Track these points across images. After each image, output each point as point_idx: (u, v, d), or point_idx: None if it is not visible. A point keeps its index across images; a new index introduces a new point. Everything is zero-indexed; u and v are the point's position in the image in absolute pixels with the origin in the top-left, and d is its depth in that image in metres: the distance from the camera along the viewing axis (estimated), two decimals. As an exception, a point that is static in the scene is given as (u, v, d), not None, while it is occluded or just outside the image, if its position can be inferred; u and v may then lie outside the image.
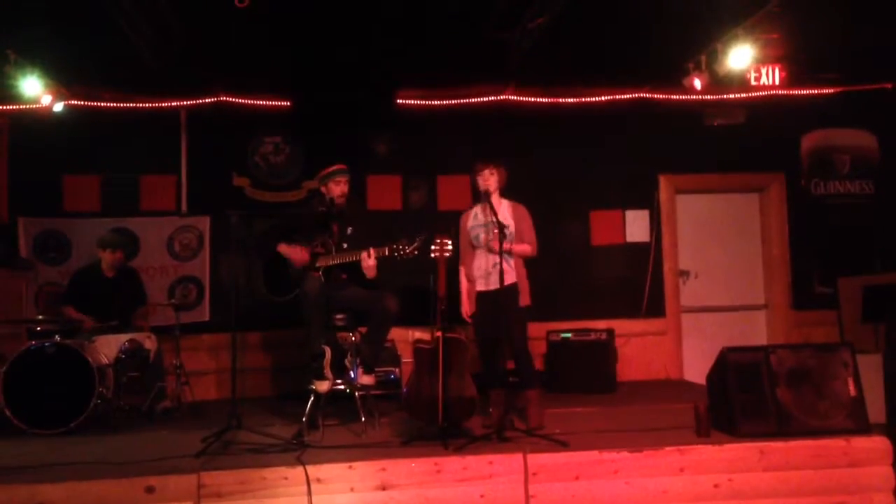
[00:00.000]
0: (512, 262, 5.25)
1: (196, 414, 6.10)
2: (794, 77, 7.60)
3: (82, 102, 7.34)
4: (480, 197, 5.38)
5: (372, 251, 5.21)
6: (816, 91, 8.12)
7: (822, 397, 4.62)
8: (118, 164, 7.57)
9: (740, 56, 6.60)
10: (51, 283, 7.23)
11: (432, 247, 4.94)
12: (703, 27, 6.62)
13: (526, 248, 5.30)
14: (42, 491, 3.87)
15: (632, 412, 5.76)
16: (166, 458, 4.31)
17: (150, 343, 6.14)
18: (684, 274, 8.26)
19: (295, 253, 5.47)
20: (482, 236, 5.32)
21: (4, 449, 4.79)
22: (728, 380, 4.68)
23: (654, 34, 6.66)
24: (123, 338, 6.04)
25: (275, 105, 7.68)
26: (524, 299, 5.30)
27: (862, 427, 4.55)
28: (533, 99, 7.93)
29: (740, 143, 8.16)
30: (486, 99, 7.88)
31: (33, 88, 6.71)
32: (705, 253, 8.35)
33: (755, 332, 8.31)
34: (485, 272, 5.27)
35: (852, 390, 4.65)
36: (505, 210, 5.31)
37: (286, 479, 4.04)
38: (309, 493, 4.00)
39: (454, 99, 7.85)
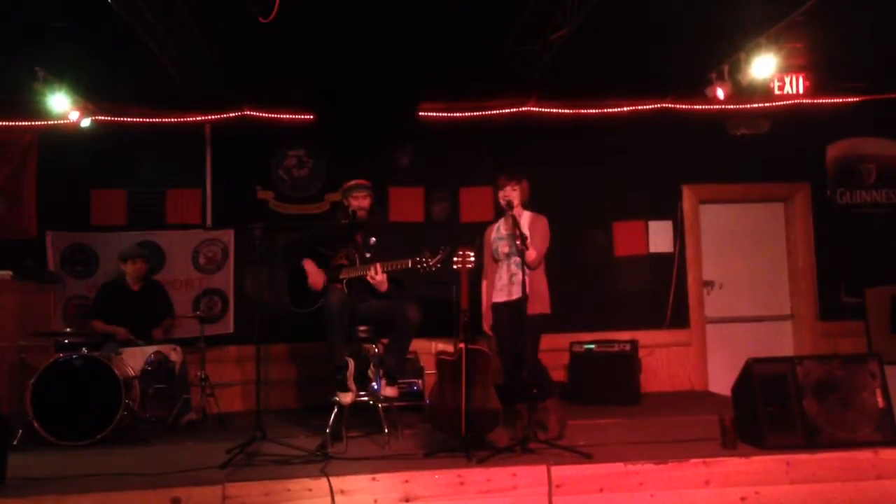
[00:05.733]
0: (527, 272, 5.23)
1: (221, 426, 6.14)
2: (818, 86, 7.55)
3: (109, 118, 7.46)
4: (503, 211, 5.40)
5: (378, 266, 5.25)
6: (841, 100, 8.07)
7: (850, 409, 4.56)
8: (144, 179, 7.68)
9: (764, 65, 6.56)
10: (78, 297, 7.32)
11: (455, 259, 4.95)
12: (725, 37, 6.60)
13: (530, 254, 5.21)
14: (70, 502, 3.91)
15: (656, 424, 5.71)
16: (192, 470, 4.33)
17: (175, 355, 6.19)
18: (709, 284, 8.20)
19: (313, 274, 5.51)
20: (502, 249, 5.34)
21: (33, 460, 4.83)
22: (754, 391, 4.63)
23: (677, 44, 6.64)
24: (149, 350, 6.10)
25: (298, 119, 7.76)
26: (537, 307, 5.21)
27: (890, 439, 4.48)
28: (555, 110, 7.93)
29: (764, 153, 8.11)
30: (507, 111, 7.90)
31: (61, 104, 6.82)
32: (730, 263, 8.29)
33: (781, 342, 8.23)
34: (505, 284, 5.29)
35: (880, 402, 4.58)
36: (525, 222, 5.33)
37: (310, 490, 4.05)
38: (333, 504, 4.02)
39: (476, 111, 7.87)
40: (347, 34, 6.54)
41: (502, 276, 5.36)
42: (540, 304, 5.26)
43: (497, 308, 5.39)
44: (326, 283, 5.45)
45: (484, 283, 5.55)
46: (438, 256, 5.07)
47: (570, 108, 7.94)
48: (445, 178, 7.96)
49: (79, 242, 7.48)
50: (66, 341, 5.84)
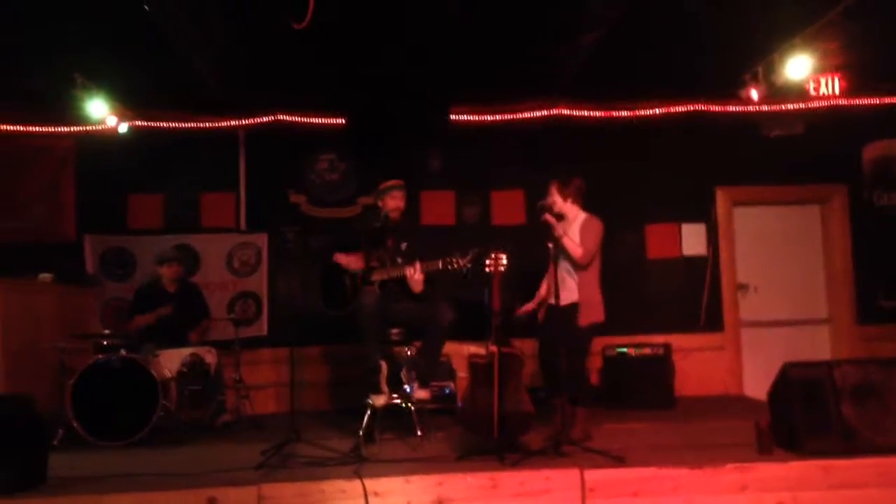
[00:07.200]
0: (577, 278, 5.28)
1: (256, 427, 6.19)
2: (854, 87, 7.45)
3: (145, 123, 7.57)
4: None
5: (418, 265, 5.28)
6: (878, 100, 7.94)
7: (889, 414, 4.47)
8: (180, 183, 7.78)
9: (798, 66, 6.49)
10: (116, 299, 7.43)
11: (486, 261, 4.96)
12: (760, 37, 6.54)
13: (576, 250, 5.26)
14: (109, 501, 3.97)
15: (691, 428, 5.67)
16: (227, 471, 4.38)
17: (210, 357, 6.26)
18: (743, 287, 8.12)
19: (351, 261, 5.55)
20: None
21: (73, 460, 4.91)
22: (790, 396, 4.58)
23: (710, 45, 6.60)
24: (185, 352, 6.18)
25: (330, 123, 7.82)
26: (590, 317, 5.27)
27: (930, 445, 4.41)
28: (586, 112, 7.91)
29: (800, 155, 8.00)
30: (539, 113, 7.88)
31: (99, 110, 6.95)
32: (765, 266, 8.19)
33: (818, 346, 8.10)
34: (552, 285, 5.29)
35: (920, 407, 4.51)
36: (578, 223, 5.37)
37: (344, 492, 4.07)
38: (366, 506, 4.04)
39: (507, 114, 7.87)
40: (377, 39, 6.58)
41: (550, 277, 5.40)
42: (592, 313, 5.30)
43: (547, 309, 5.43)
44: (363, 269, 5.49)
45: None
46: (468, 257, 5.10)
47: (601, 111, 7.92)
48: (477, 182, 7.96)
49: (117, 246, 7.59)
50: (105, 343, 5.93)
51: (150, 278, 6.87)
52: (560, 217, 5.41)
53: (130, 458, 5.07)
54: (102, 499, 3.99)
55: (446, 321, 5.28)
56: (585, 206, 5.56)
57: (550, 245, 5.27)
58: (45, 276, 6.74)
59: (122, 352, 5.74)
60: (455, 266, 5.13)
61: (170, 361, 6.08)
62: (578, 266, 5.30)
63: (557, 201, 5.44)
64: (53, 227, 7.60)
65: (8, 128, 7.52)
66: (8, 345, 5.85)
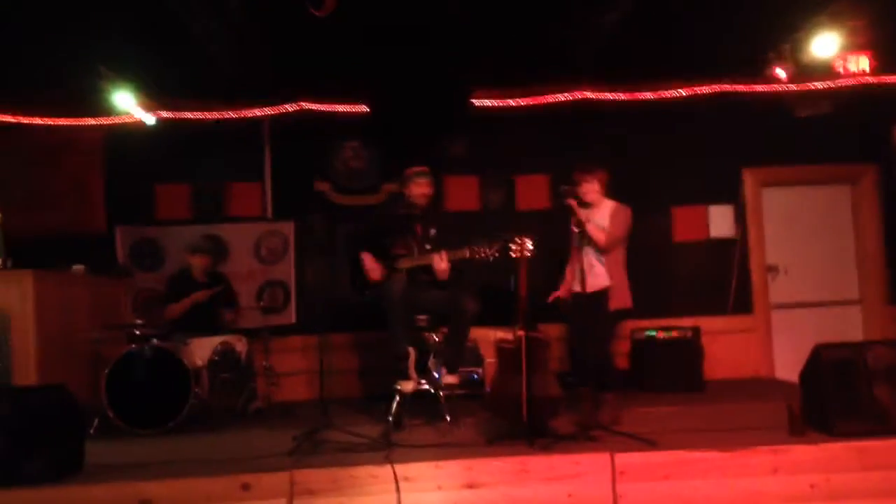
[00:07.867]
0: (605, 263, 5.30)
1: (286, 414, 6.23)
2: (883, 64, 7.32)
3: (172, 114, 7.62)
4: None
5: (444, 254, 5.29)
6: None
7: (923, 395, 4.44)
8: (206, 173, 7.82)
9: (825, 44, 6.41)
10: (147, 289, 7.52)
11: (512, 247, 4.96)
12: (785, 15, 6.46)
13: (598, 234, 5.33)
14: (146, 488, 4.02)
15: (721, 411, 5.64)
16: (260, 457, 4.43)
17: (241, 345, 6.32)
18: (773, 269, 8.04)
19: (372, 270, 5.56)
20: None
21: (109, 448, 5.00)
22: (822, 378, 4.54)
23: (735, 24, 6.53)
24: (216, 340, 6.23)
25: (353, 110, 7.81)
26: (618, 301, 5.33)
27: (966, 425, 4.35)
28: (610, 95, 7.83)
29: (828, 134, 7.88)
30: (562, 97, 7.83)
31: (126, 102, 7.02)
32: (795, 247, 8.11)
33: (850, 328, 8.00)
34: (578, 272, 5.28)
35: (954, 387, 4.45)
36: (606, 211, 5.38)
37: (375, 477, 4.10)
38: (398, 491, 4.06)
39: (530, 98, 7.83)
40: (400, 26, 6.58)
41: (575, 264, 5.41)
42: (620, 299, 5.36)
43: (573, 296, 5.43)
44: (384, 276, 5.51)
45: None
46: (496, 245, 5.11)
47: (625, 93, 7.83)
48: (501, 167, 7.93)
49: (146, 236, 7.67)
50: (137, 333, 5.99)
51: (180, 267, 6.92)
52: (587, 204, 5.43)
53: (165, 445, 5.15)
54: (139, 485, 4.04)
55: (470, 312, 5.31)
56: (609, 190, 5.58)
57: (575, 230, 5.27)
58: (78, 268, 6.80)
59: (154, 341, 5.82)
60: (482, 255, 5.15)
61: (201, 350, 6.13)
62: (605, 251, 5.32)
63: (595, 191, 5.47)
64: (83, 220, 7.67)
65: (36, 121, 7.60)
66: (44, 336, 5.93)
